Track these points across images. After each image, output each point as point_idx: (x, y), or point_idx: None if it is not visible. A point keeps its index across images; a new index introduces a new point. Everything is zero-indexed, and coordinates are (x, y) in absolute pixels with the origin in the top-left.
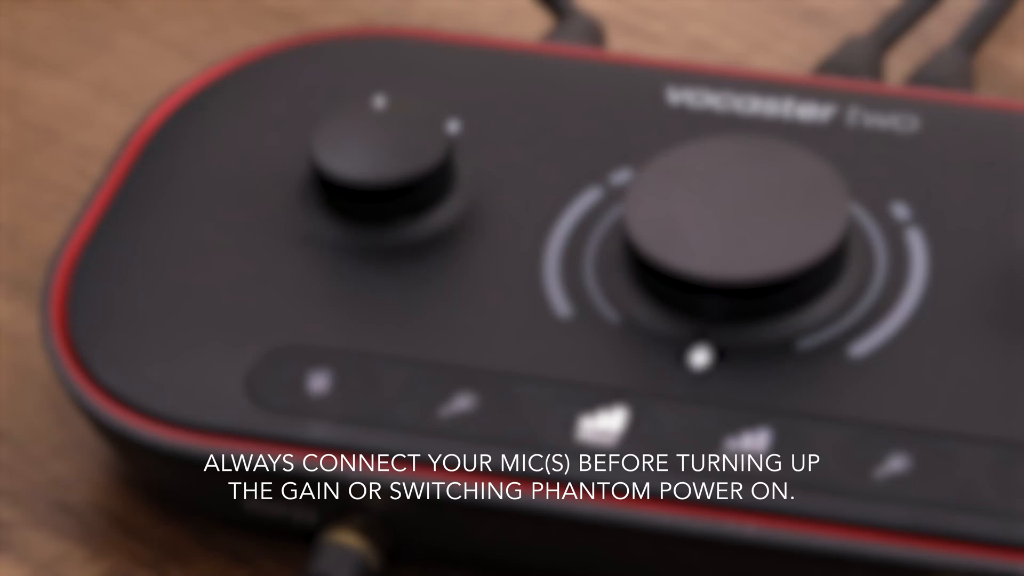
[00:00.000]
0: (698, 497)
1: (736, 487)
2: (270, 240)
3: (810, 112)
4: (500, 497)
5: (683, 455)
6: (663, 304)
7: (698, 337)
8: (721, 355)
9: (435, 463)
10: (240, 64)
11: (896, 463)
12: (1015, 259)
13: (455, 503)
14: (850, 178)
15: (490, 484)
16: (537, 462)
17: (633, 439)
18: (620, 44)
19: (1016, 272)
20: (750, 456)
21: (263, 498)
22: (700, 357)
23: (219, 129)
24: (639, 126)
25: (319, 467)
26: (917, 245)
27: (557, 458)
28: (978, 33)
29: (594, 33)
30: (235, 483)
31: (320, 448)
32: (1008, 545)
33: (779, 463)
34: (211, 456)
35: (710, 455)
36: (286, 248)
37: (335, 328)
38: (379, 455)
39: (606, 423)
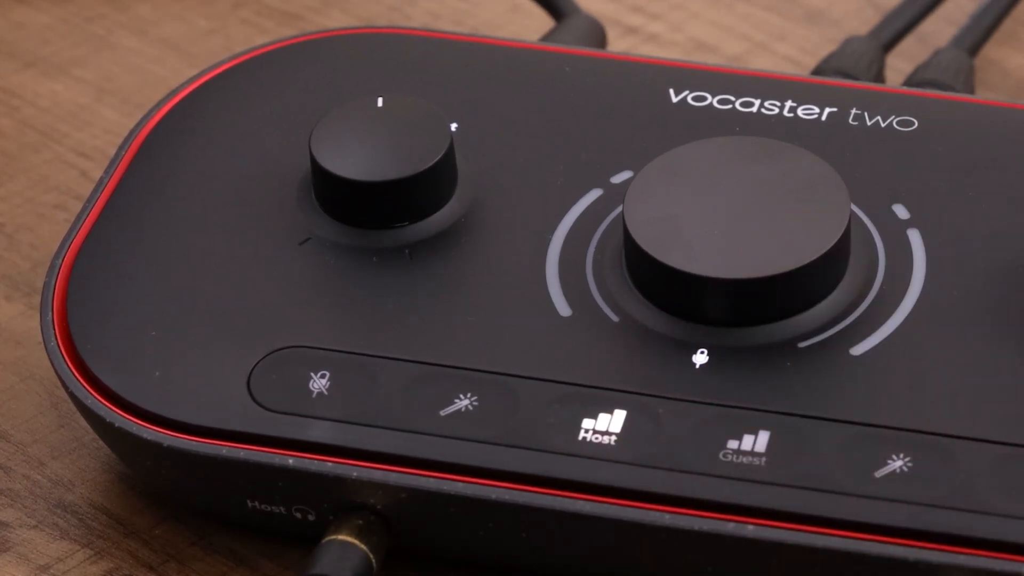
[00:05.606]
0: (698, 497)
1: (736, 487)
2: (271, 240)
3: (810, 112)
4: (500, 497)
5: (683, 455)
6: (663, 304)
7: (698, 337)
8: (721, 355)
9: (435, 463)
10: (240, 64)
11: (896, 463)
12: (1014, 259)
13: (455, 503)
14: (850, 178)
15: (490, 484)
16: (538, 462)
17: (633, 439)
18: (620, 44)
19: (1015, 272)
20: (750, 456)
21: (264, 498)
22: (700, 357)
23: (219, 130)
24: (640, 126)
25: (319, 467)
26: (917, 245)
27: (558, 458)
28: (978, 34)
29: (595, 33)
30: (236, 483)
31: (321, 449)
32: (1008, 545)
33: (779, 463)
34: (212, 457)
35: (710, 455)
36: (287, 248)
37: (336, 329)
38: (379, 455)
39: (606, 423)
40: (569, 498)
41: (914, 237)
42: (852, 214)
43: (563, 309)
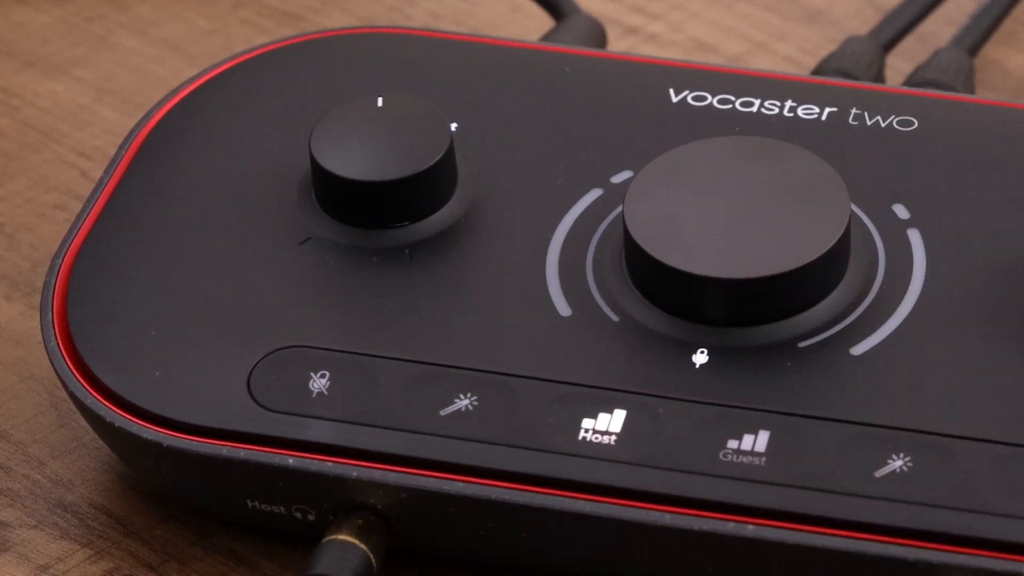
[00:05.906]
0: (698, 497)
1: (736, 487)
2: (271, 240)
3: (810, 112)
4: (500, 497)
5: (683, 455)
6: (663, 304)
7: (698, 337)
8: (721, 355)
9: (435, 463)
10: (240, 64)
11: (896, 463)
12: (1014, 259)
13: (455, 503)
14: (850, 178)
15: (490, 484)
16: (538, 462)
17: (633, 439)
18: (620, 44)
19: (1015, 272)
20: (750, 456)
21: (264, 498)
22: (700, 357)
23: (220, 130)
24: (640, 126)
25: (319, 467)
26: (917, 245)
27: (558, 458)
28: (978, 34)
29: (595, 33)
30: (236, 483)
31: (321, 449)
32: (1008, 545)
33: (779, 463)
34: (212, 457)
35: (710, 455)
36: (287, 248)
37: (336, 329)
38: (379, 455)
39: (606, 423)
40: (569, 498)
41: (914, 237)
42: (852, 214)
43: (563, 309)
